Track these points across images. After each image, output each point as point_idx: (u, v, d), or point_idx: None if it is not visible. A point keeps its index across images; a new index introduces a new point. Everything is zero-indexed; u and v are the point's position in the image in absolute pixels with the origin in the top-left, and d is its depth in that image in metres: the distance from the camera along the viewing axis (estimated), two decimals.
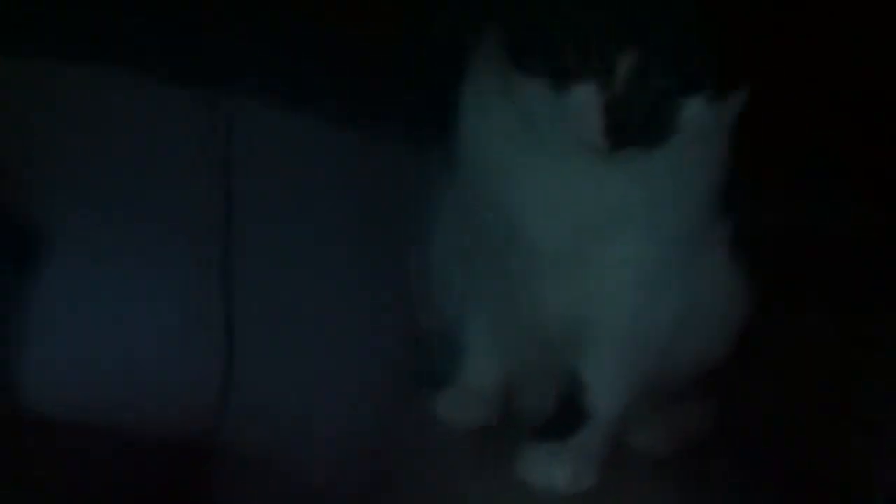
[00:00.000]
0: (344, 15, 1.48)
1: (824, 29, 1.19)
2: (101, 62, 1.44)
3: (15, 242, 1.37)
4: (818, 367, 1.18)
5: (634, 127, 0.91)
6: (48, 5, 1.46)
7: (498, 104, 0.98)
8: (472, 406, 1.09)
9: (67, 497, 1.20)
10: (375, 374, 1.35)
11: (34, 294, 1.38)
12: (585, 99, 0.91)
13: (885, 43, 1.28)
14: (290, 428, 1.37)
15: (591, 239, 0.99)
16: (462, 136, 1.03)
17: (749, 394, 1.13)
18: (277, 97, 1.45)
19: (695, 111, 0.92)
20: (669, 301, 1.03)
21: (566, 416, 1.04)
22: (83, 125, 1.42)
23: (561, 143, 0.95)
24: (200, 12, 1.49)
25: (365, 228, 1.41)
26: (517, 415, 1.08)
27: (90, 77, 1.44)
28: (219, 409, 1.37)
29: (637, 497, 1.03)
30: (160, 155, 1.41)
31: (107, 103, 1.43)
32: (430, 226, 1.12)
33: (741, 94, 0.96)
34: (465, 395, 1.10)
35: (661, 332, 1.03)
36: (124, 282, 1.40)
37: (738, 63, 0.93)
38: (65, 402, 1.35)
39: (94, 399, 1.37)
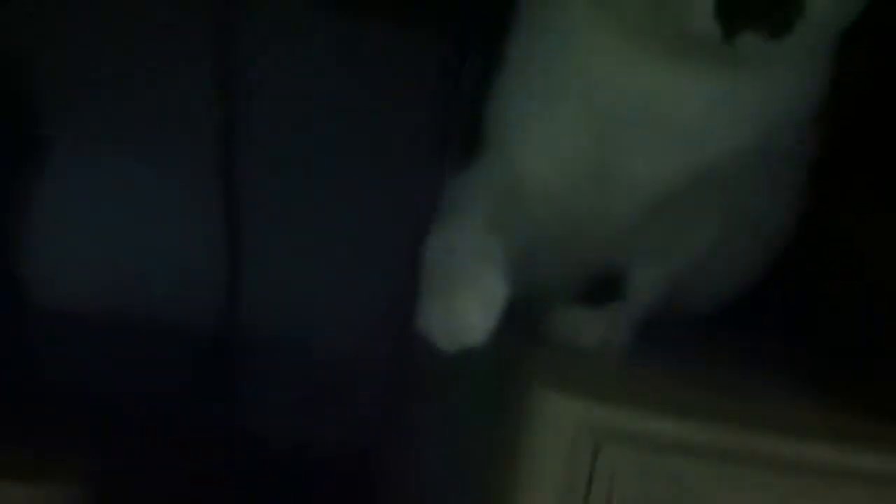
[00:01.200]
0: None
1: None
2: None
3: (22, 133, 1.37)
4: None
5: (751, 5, 0.76)
6: None
7: None
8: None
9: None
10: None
11: (39, 188, 1.38)
12: None
13: None
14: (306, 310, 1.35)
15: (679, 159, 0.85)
16: (522, 36, 0.87)
17: None
18: None
19: None
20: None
21: (599, 293, 0.92)
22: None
23: (657, 39, 0.80)
24: None
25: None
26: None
27: None
28: (231, 295, 1.35)
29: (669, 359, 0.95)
30: (159, 42, 1.36)
31: None
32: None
33: None
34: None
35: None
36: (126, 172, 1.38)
37: None
38: (72, 294, 1.35)
39: (101, 291, 1.36)
